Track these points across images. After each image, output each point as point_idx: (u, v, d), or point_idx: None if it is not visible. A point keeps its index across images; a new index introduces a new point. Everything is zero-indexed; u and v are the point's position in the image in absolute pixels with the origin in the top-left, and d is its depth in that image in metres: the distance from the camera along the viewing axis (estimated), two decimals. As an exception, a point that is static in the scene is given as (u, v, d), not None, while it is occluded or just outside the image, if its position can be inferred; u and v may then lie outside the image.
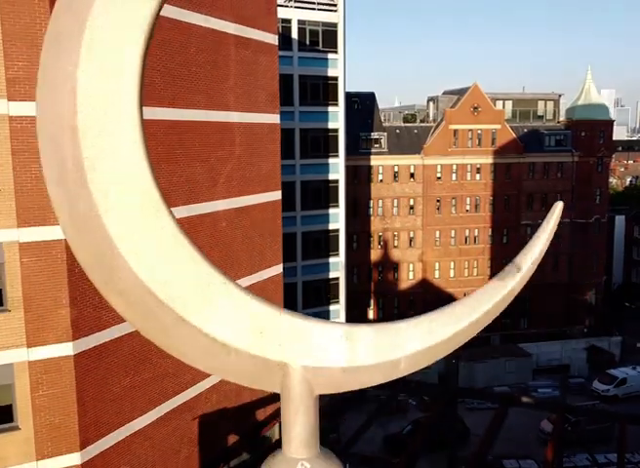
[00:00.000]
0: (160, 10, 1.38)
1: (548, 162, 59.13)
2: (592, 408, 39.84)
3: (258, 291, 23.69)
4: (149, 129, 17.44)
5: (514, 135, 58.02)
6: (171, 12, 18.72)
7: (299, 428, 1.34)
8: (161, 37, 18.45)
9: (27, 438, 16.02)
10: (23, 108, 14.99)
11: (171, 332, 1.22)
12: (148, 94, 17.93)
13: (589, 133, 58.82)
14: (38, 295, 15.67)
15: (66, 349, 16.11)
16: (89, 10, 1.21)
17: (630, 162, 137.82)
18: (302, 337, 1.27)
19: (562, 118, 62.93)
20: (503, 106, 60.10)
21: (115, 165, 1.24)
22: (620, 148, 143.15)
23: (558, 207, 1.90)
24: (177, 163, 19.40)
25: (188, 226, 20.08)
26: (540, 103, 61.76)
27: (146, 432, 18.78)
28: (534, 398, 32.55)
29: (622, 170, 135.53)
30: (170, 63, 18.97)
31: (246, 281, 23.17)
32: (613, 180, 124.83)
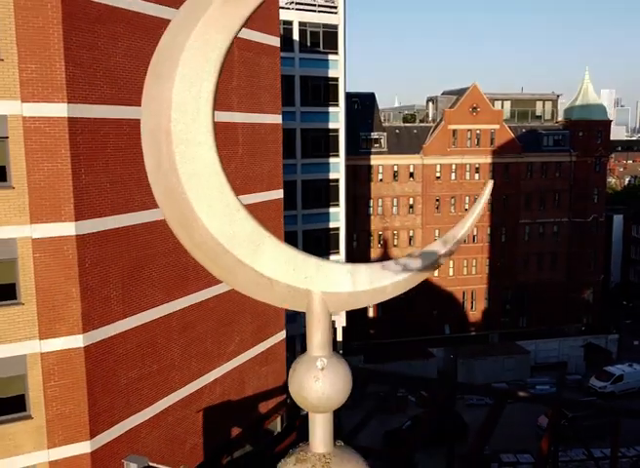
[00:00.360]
0: (229, 50, 1.91)
1: (546, 162, 59.69)
2: (587, 402, 40.42)
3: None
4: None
5: (513, 134, 58.58)
6: (174, 14, 19.29)
7: (319, 335, 1.90)
8: (167, 40, 19.04)
9: (39, 426, 16.62)
10: (36, 109, 15.60)
11: (233, 272, 1.77)
12: (155, 95, 18.54)
13: (587, 133, 59.38)
14: (50, 289, 16.26)
15: (77, 341, 16.71)
16: (180, 53, 1.76)
17: (629, 162, 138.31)
18: (322, 273, 1.85)
19: (560, 118, 63.46)
20: (502, 106, 60.64)
21: (195, 156, 1.78)
22: (619, 148, 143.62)
23: (489, 186, 2.34)
24: (182, 162, 19.97)
25: (193, 223, 20.68)
26: (539, 104, 62.33)
27: (154, 422, 19.37)
28: (530, 393, 33.06)
29: (621, 170, 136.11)
30: (176, 65, 19.55)
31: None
32: (612, 180, 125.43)
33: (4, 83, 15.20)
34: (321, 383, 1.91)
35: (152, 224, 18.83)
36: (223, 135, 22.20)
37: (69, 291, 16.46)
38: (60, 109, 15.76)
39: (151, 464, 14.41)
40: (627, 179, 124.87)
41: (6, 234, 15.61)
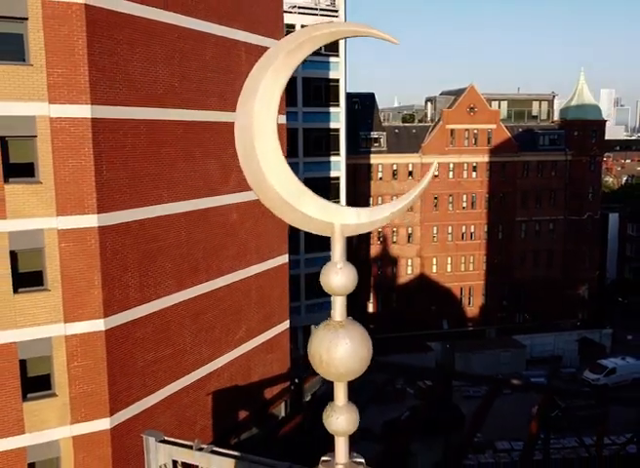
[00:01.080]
0: (288, 79, 3.16)
1: (542, 161, 60.94)
2: (576, 390, 41.75)
3: (266, 277, 25.61)
4: (173, 130, 19.35)
5: (509, 134, 59.80)
6: (188, 22, 20.63)
7: (339, 249, 3.20)
8: (180, 46, 20.38)
9: (64, 404, 17.95)
10: (62, 110, 16.93)
11: (286, 212, 3.01)
12: (168, 97, 19.91)
13: (582, 132, 60.65)
14: (74, 277, 17.59)
15: (98, 325, 18.04)
16: (259, 84, 3.02)
17: (628, 161, 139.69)
18: (339, 212, 3.16)
19: (556, 118, 64.74)
20: (499, 107, 61.87)
21: (267, 147, 3.05)
22: (617, 148, 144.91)
23: (434, 165, 3.36)
24: (194, 160, 21.32)
25: (203, 217, 22.03)
26: (535, 104, 63.61)
27: (167, 403, 20.71)
28: (523, 381, 34.39)
29: (619, 169, 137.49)
30: (187, 69, 20.89)
31: (255, 268, 25.09)
32: (609, 179, 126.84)
33: (33, 86, 16.52)
34: (340, 275, 3.23)
35: (166, 218, 20.19)
36: (231, 134, 23.34)
37: (92, 278, 17.80)
38: (83, 111, 17.09)
39: (167, 439, 15.74)
40: (625, 178, 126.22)
41: (34, 225, 16.94)
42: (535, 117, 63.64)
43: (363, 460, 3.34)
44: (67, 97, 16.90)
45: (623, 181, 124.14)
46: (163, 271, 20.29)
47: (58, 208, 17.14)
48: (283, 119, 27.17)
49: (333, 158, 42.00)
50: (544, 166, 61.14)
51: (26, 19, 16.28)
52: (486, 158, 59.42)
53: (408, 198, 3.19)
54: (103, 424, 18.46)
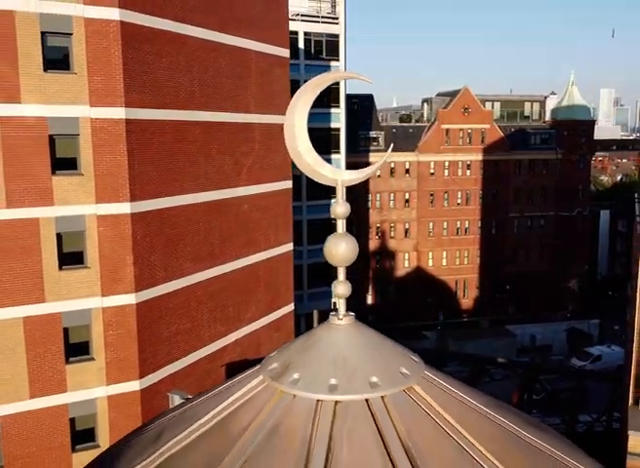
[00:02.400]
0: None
1: (534, 159, 63.67)
2: (556, 367, 44.43)
3: (273, 263, 28.38)
4: (193, 129, 22.08)
5: (502, 134, 62.51)
6: (205, 34, 23.32)
7: (340, 194, 5.90)
8: (199, 55, 23.08)
9: (100, 367, 20.66)
10: (101, 112, 19.62)
11: (313, 173, 5.68)
12: (189, 101, 22.63)
13: (572, 132, 63.36)
14: (110, 256, 20.29)
15: (130, 299, 20.74)
16: (297, 104, 5.71)
17: (624, 160, 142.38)
18: (340, 173, 5.81)
19: (547, 118, 67.46)
20: (492, 107, 64.60)
21: (302, 138, 5.73)
22: (614, 147, 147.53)
23: (389, 150, 5.64)
24: (211, 156, 24.01)
25: (218, 207, 24.73)
26: (527, 105, 66.35)
27: (187, 371, 23.39)
28: (507, 360, 36.91)
29: (614, 168, 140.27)
30: (205, 76, 23.57)
31: (263, 255, 27.79)
32: (604, 178, 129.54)
33: (77, 92, 19.22)
34: (340, 205, 5.94)
35: (187, 207, 22.90)
36: (243, 134, 26.20)
37: (125, 258, 20.50)
38: (118, 112, 19.79)
39: (190, 397, 18.43)
40: (619, 177, 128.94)
41: (77, 212, 19.64)
42: (527, 117, 66.38)
43: (354, 314, 6.02)
44: (105, 101, 19.59)
45: (618, 180, 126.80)
46: (184, 254, 22.99)
47: (97, 196, 19.83)
48: (288, 119, 29.82)
49: (333, 156, 44.65)
50: (536, 164, 63.85)
51: (71, 34, 18.97)
52: (480, 156, 62.11)
53: (376, 165, 5.90)
54: (134, 386, 21.14)
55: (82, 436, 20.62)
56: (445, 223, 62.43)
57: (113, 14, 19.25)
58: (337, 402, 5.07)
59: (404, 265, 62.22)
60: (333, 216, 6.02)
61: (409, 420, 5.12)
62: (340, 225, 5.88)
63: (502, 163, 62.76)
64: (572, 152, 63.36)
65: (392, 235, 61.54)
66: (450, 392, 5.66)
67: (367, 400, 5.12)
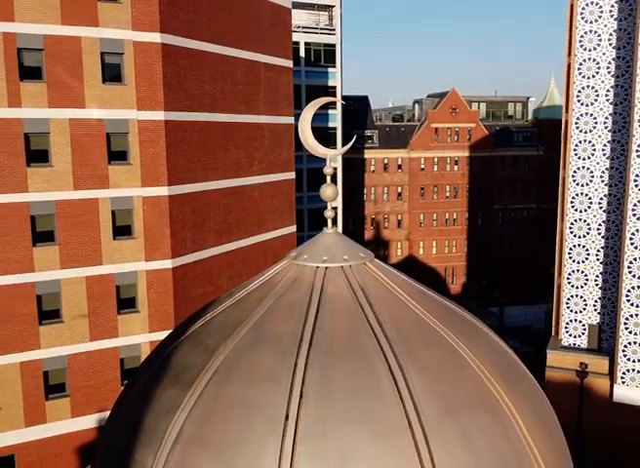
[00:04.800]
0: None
1: (517, 155, 68.78)
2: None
3: (279, 242, 33.84)
4: (215, 129, 27.49)
5: (487, 132, 67.60)
6: (225, 50, 28.52)
7: (328, 162, 10.97)
8: (220, 68, 28.29)
9: (144, 318, 25.88)
10: (146, 115, 24.81)
11: (313, 150, 10.73)
12: (212, 105, 27.84)
13: (552, 130, 68.43)
14: (152, 230, 25.49)
15: (167, 264, 25.95)
16: (306, 115, 10.83)
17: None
18: (329, 151, 10.96)
19: (530, 117, 72.61)
20: (478, 107, 69.70)
21: (307, 132, 10.82)
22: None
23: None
24: (228, 151, 29.22)
25: (235, 193, 29.92)
26: (510, 105, 71.49)
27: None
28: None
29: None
30: (224, 84, 28.78)
31: (271, 234, 32.99)
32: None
33: (127, 99, 24.43)
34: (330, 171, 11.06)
35: (210, 192, 28.11)
36: (254, 132, 31.39)
37: (163, 231, 25.72)
38: (159, 115, 24.99)
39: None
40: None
41: (127, 194, 24.86)
42: (510, 117, 71.50)
43: (336, 227, 11.22)
44: (149, 106, 24.80)
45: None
46: (208, 230, 28.22)
47: (142, 182, 25.04)
48: (292, 120, 35.09)
49: (331, 152, 49.74)
50: (518, 160, 68.97)
51: (123, 53, 24.19)
52: (466, 153, 67.22)
53: (349, 144, 11.10)
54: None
55: (129, 372, 25.83)
56: (435, 215, 67.53)
57: (155, 38, 24.48)
58: (326, 267, 10.15)
59: (397, 254, 67.37)
60: (325, 174, 11.14)
61: (362, 276, 10.21)
62: (329, 179, 11.05)
63: (488, 159, 67.82)
64: (552, 149, 68.50)
65: (386, 226, 66.67)
66: (387, 271, 10.76)
67: (342, 266, 10.19)
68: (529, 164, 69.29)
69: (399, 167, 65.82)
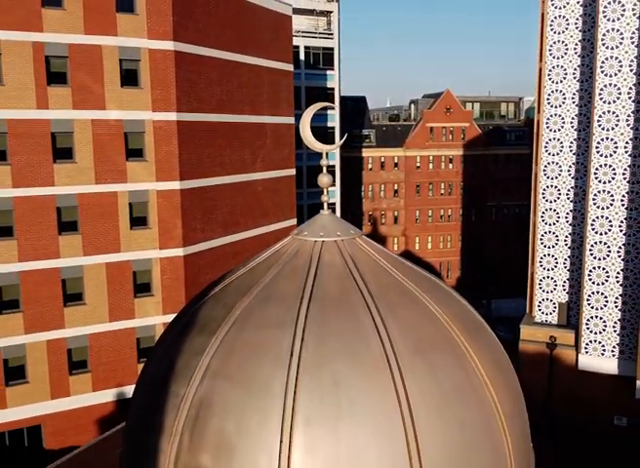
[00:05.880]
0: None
1: (509, 154, 71.05)
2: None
3: (280, 234, 36.24)
4: (222, 128, 30.01)
5: (481, 131, 69.87)
6: (231, 56, 30.92)
7: (324, 156, 13.36)
8: (226, 72, 30.68)
9: (158, 302, 28.28)
10: (160, 116, 27.22)
11: (311, 145, 13.12)
12: (220, 107, 30.24)
13: (543, 129, 70.89)
14: (165, 221, 27.89)
15: (179, 252, 28.35)
16: (307, 117, 13.17)
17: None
18: (324, 146, 13.33)
19: (522, 117, 74.93)
20: (472, 107, 72.03)
21: (307, 130, 13.16)
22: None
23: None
24: (234, 148, 31.62)
25: (240, 188, 32.31)
26: (503, 105, 73.85)
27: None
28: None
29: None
30: (231, 87, 31.18)
31: (273, 227, 35.39)
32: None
33: (143, 101, 26.82)
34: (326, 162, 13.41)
35: (218, 187, 30.52)
36: (258, 131, 33.79)
37: (175, 222, 28.12)
38: (172, 116, 27.39)
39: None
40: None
41: (143, 187, 27.26)
42: (503, 116, 73.84)
43: (331, 210, 13.63)
44: (163, 108, 27.21)
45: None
46: (216, 222, 30.62)
47: (157, 177, 27.44)
48: (292, 120, 37.48)
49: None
50: (511, 158, 71.26)
51: (140, 60, 26.58)
52: (461, 152, 69.50)
53: (341, 140, 13.49)
54: (181, 317, 28.69)
55: (145, 352, 28.22)
56: (430, 211, 69.85)
57: (169, 45, 26.89)
58: (323, 241, 12.50)
59: (394, 249, 69.73)
60: (322, 166, 13.52)
61: (352, 248, 12.61)
62: (324, 170, 13.45)
63: (481, 157, 70.07)
64: (543, 147, 70.90)
65: (383, 222, 69.02)
66: (372, 244, 13.16)
67: (335, 241, 12.59)
68: (521, 162, 71.45)
69: (396, 165, 68.07)
